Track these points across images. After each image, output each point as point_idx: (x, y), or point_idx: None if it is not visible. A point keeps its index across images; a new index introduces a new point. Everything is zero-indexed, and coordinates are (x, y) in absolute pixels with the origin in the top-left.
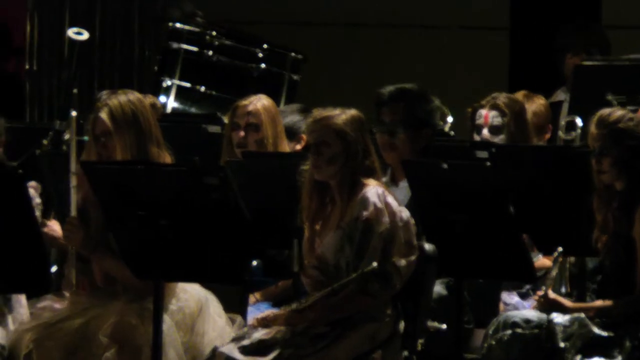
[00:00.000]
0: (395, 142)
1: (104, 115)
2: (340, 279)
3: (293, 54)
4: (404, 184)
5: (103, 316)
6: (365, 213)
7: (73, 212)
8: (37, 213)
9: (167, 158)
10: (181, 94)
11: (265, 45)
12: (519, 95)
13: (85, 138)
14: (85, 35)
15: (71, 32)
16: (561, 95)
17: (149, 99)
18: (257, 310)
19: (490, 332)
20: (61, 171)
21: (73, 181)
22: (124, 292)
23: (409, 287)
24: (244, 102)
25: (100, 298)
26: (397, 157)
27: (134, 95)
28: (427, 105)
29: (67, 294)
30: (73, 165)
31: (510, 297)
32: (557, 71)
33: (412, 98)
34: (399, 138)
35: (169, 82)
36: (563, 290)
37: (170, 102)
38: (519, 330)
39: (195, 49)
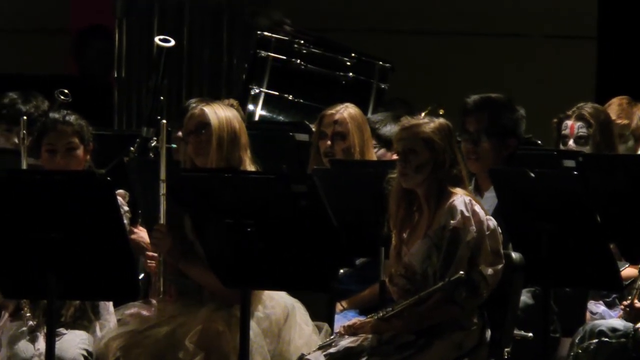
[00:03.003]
0: (479, 151)
1: (205, 108)
2: (427, 288)
3: (381, 63)
4: (488, 194)
5: (190, 323)
6: (452, 222)
7: (162, 219)
8: (125, 221)
9: (253, 167)
10: (269, 102)
11: (353, 54)
12: (622, 100)
13: (174, 145)
14: (172, 43)
15: (158, 40)
16: None
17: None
18: (344, 318)
19: (577, 341)
20: (148, 178)
21: (162, 189)
22: (211, 299)
23: (495, 296)
24: (331, 111)
25: (188, 305)
26: (481, 166)
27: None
28: (511, 114)
29: (154, 302)
30: (162, 173)
31: (596, 306)
32: None
33: (496, 107)
34: (483, 147)
35: (257, 90)
36: None
37: (258, 110)
38: (605, 339)
39: (283, 57)
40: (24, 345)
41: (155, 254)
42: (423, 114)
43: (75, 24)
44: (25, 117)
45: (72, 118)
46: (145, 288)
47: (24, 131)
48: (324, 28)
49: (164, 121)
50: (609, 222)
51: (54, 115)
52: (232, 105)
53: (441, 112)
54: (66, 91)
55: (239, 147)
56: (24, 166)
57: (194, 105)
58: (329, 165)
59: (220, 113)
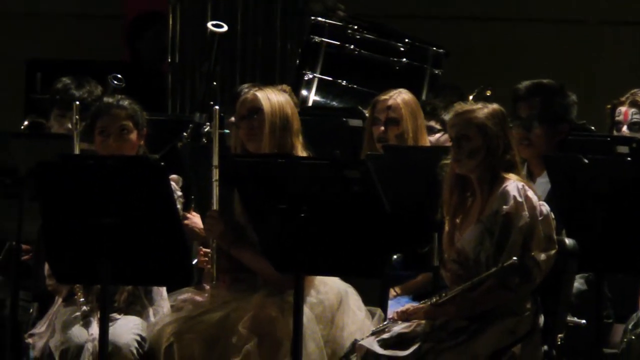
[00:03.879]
0: (531, 137)
1: (258, 93)
2: (480, 273)
3: (434, 48)
4: (541, 179)
5: (243, 309)
6: (505, 207)
7: (215, 205)
8: (178, 206)
9: (305, 152)
10: (323, 88)
11: (406, 40)
12: None
13: (227, 131)
14: (224, 28)
15: (211, 25)
16: None
17: (282, 88)
18: (397, 304)
19: (630, 327)
20: (201, 164)
21: (215, 174)
22: (264, 285)
23: (548, 282)
24: (384, 96)
25: (241, 291)
26: (533, 152)
27: (285, 94)
28: (563, 99)
29: (207, 287)
30: (215, 159)
31: None
32: None
33: (548, 93)
34: (535, 133)
35: (310, 76)
36: None
37: (312, 96)
38: None
39: (337, 42)
40: (77, 331)
41: (205, 251)
42: (471, 97)
43: (129, 10)
44: (78, 102)
45: (125, 102)
46: (198, 273)
47: (77, 116)
48: (377, 14)
49: (217, 107)
50: None
51: (108, 99)
52: (284, 91)
53: (488, 93)
54: (119, 76)
55: (291, 132)
56: (77, 151)
57: (246, 90)
58: (382, 151)
59: (272, 98)
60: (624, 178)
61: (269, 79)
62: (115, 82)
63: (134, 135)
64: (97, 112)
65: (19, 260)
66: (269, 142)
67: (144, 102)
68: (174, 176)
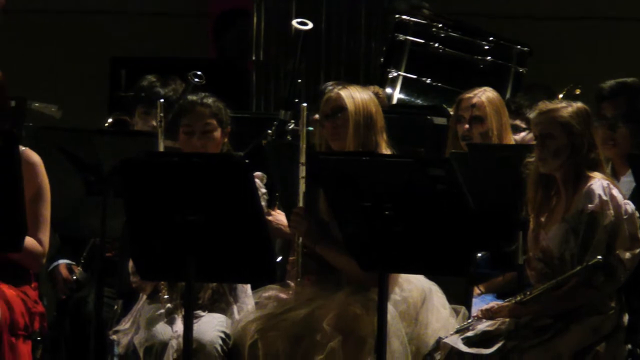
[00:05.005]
0: (616, 136)
1: (342, 92)
2: (564, 272)
3: (519, 47)
4: (625, 178)
5: (327, 306)
6: (590, 206)
7: (300, 202)
8: (262, 203)
9: (389, 150)
10: (407, 86)
11: (491, 38)
12: None
13: (311, 128)
14: (309, 26)
15: (295, 23)
16: None
17: (373, 89)
18: (482, 302)
19: None
20: (285, 161)
21: (301, 172)
22: (348, 282)
23: (633, 280)
24: (469, 94)
25: (325, 288)
26: (617, 152)
27: (368, 91)
28: None
29: (292, 284)
30: (302, 156)
31: None
32: None
33: (633, 92)
34: (620, 132)
35: (395, 74)
36: None
37: (396, 94)
38: None
39: (421, 41)
40: (161, 327)
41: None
42: (560, 96)
43: (214, 8)
44: (162, 100)
45: (210, 100)
46: (282, 270)
47: (161, 114)
48: (461, 11)
49: (304, 104)
50: None
51: (192, 97)
52: (376, 93)
53: (578, 92)
54: (200, 73)
55: (375, 130)
56: (161, 148)
57: (330, 88)
58: (466, 149)
59: (356, 96)
60: None
61: (353, 76)
62: (196, 79)
63: (218, 133)
64: (181, 110)
65: (103, 257)
66: (353, 141)
67: (229, 99)
68: (258, 173)
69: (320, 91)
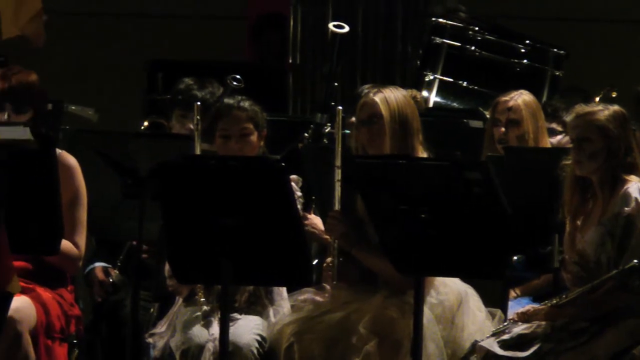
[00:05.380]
0: None
1: (377, 98)
2: (600, 275)
3: (555, 50)
4: None
5: (363, 309)
6: (626, 209)
7: (337, 205)
8: (298, 206)
9: (425, 153)
10: (443, 89)
11: (527, 41)
12: None
13: (348, 131)
14: (346, 29)
15: (332, 26)
16: None
17: (410, 92)
18: (518, 305)
19: None
20: (322, 164)
21: (337, 175)
22: (384, 285)
23: None
24: (505, 97)
25: (361, 291)
26: None
27: (404, 91)
28: None
29: (328, 287)
30: (338, 159)
31: None
32: None
33: None
34: None
35: (431, 77)
36: None
37: (433, 97)
38: None
39: (458, 44)
40: (198, 330)
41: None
42: (597, 99)
43: (252, 11)
44: (199, 103)
45: (246, 104)
46: (318, 274)
47: (198, 117)
48: (497, 14)
49: (340, 107)
50: None
51: (229, 100)
52: (414, 97)
53: (614, 94)
54: (238, 77)
55: (411, 134)
56: (198, 152)
57: (366, 91)
58: (502, 152)
59: (392, 102)
60: None
61: (389, 79)
62: (235, 82)
63: (254, 137)
64: (217, 114)
65: (140, 261)
66: (390, 148)
67: (265, 103)
68: (293, 176)
69: (356, 94)
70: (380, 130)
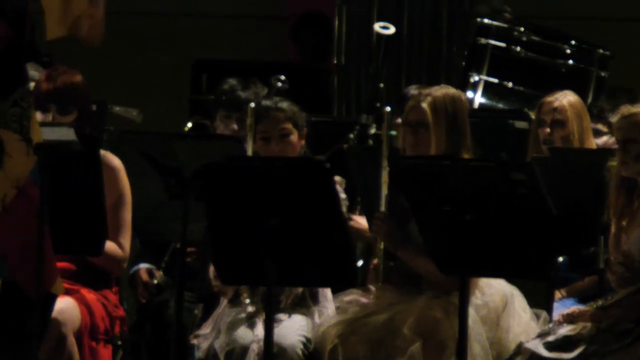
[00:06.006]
0: None
1: (425, 105)
2: None
3: (600, 50)
4: None
5: (408, 311)
6: None
7: (382, 206)
8: (343, 208)
9: (471, 154)
10: (489, 90)
11: (572, 42)
12: None
13: (393, 132)
14: (391, 30)
15: (377, 27)
16: None
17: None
18: (563, 306)
19: None
20: (367, 165)
21: (383, 176)
22: (428, 286)
23: None
24: (550, 98)
25: (406, 292)
26: None
27: (454, 91)
28: None
29: (373, 289)
30: (384, 160)
31: None
32: None
33: None
34: None
35: (476, 78)
36: None
37: (478, 98)
38: None
39: (503, 44)
40: (242, 331)
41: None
42: None
43: (294, 11)
44: (252, 104)
45: (284, 104)
46: (363, 275)
47: (251, 118)
48: (541, 15)
49: (388, 108)
50: None
51: (266, 102)
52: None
53: None
54: (283, 77)
55: (458, 137)
56: (250, 153)
57: (416, 93)
58: (548, 153)
59: (441, 108)
60: None
61: (434, 80)
62: (280, 83)
63: (294, 137)
64: (256, 117)
65: (184, 262)
66: (436, 151)
67: (310, 103)
68: (337, 178)
69: (401, 95)
70: (426, 139)
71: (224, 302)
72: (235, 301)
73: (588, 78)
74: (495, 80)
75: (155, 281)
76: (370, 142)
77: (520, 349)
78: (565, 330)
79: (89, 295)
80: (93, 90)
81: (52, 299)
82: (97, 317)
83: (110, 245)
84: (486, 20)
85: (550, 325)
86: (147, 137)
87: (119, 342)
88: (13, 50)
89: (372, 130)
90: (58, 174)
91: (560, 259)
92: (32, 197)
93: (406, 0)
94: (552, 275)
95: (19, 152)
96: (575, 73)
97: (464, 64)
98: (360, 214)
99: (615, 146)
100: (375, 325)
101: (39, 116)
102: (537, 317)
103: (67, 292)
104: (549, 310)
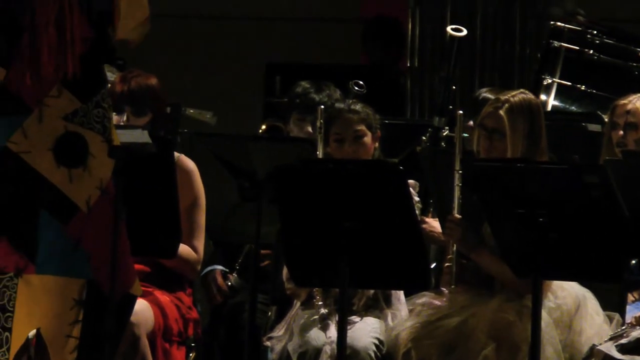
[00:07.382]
0: None
1: (502, 112)
2: None
3: None
4: None
5: (481, 313)
6: None
7: (455, 209)
8: (416, 211)
9: (545, 157)
10: (561, 93)
11: None
12: None
13: (466, 135)
14: (463, 32)
15: (450, 29)
16: None
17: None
18: (636, 309)
19: None
20: (441, 168)
21: (457, 179)
22: (501, 289)
23: None
24: (623, 101)
25: (479, 295)
26: None
27: (532, 97)
28: None
29: (446, 291)
30: (457, 163)
31: None
32: None
33: None
34: None
35: (549, 81)
36: None
37: (551, 101)
38: None
39: (576, 47)
40: (315, 334)
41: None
42: None
43: (367, 14)
44: (322, 107)
45: (357, 106)
46: (436, 277)
47: (321, 120)
48: (614, 18)
49: (460, 111)
50: None
51: (339, 104)
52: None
53: None
54: (361, 82)
55: (533, 140)
56: (321, 155)
57: (493, 97)
58: (621, 155)
59: (518, 116)
60: None
61: (507, 83)
62: (357, 87)
63: (368, 139)
64: (329, 118)
65: (258, 264)
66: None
67: (383, 106)
68: (411, 181)
69: (474, 97)
70: (500, 145)
71: (297, 304)
72: (308, 303)
73: None
74: (569, 83)
75: (229, 283)
76: (443, 144)
77: (592, 351)
78: (638, 332)
79: (163, 297)
80: (167, 92)
81: (131, 300)
82: (170, 319)
83: (184, 249)
84: (559, 23)
85: (624, 327)
86: (221, 140)
87: (192, 344)
88: (95, 52)
89: (445, 133)
90: (132, 176)
91: (633, 261)
92: (114, 198)
93: (479, 2)
94: (624, 277)
95: (103, 153)
96: None
97: (537, 66)
98: (433, 216)
99: None
100: (448, 328)
101: (114, 118)
102: (610, 319)
103: (142, 294)
104: (622, 313)
